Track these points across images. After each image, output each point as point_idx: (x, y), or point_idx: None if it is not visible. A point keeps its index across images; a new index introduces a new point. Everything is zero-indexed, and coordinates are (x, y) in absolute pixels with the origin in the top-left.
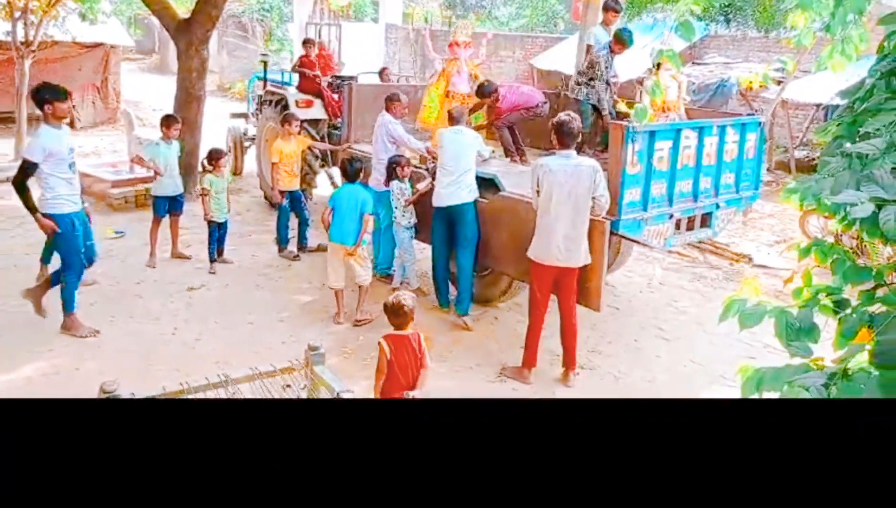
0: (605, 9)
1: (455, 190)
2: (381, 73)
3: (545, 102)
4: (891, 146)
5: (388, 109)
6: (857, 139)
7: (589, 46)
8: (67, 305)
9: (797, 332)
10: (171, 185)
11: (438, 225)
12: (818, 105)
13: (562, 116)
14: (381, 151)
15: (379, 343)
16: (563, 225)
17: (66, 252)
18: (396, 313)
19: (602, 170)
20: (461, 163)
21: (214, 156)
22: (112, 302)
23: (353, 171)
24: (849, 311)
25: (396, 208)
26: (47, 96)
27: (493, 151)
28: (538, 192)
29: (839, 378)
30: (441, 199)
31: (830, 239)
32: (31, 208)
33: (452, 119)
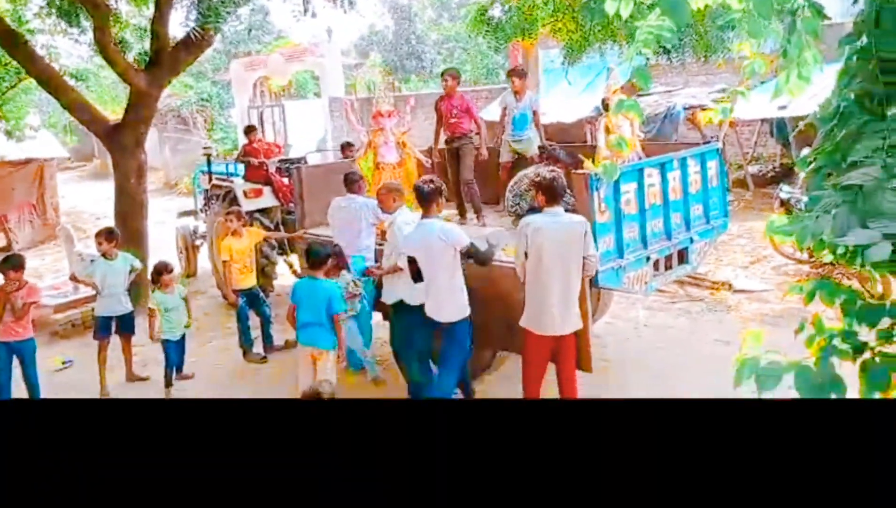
0: (509, 75)
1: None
2: (344, 148)
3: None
4: (887, 172)
5: (356, 190)
6: (844, 168)
7: (503, 109)
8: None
9: (821, 388)
10: (112, 303)
11: (420, 334)
12: (763, 120)
13: (545, 171)
14: (365, 236)
15: None
16: (556, 289)
17: (460, 357)
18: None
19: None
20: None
21: (158, 270)
22: None
23: (316, 260)
24: (869, 356)
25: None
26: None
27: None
28: (525, 254)
29: None
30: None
31: (804, 254)
32: None
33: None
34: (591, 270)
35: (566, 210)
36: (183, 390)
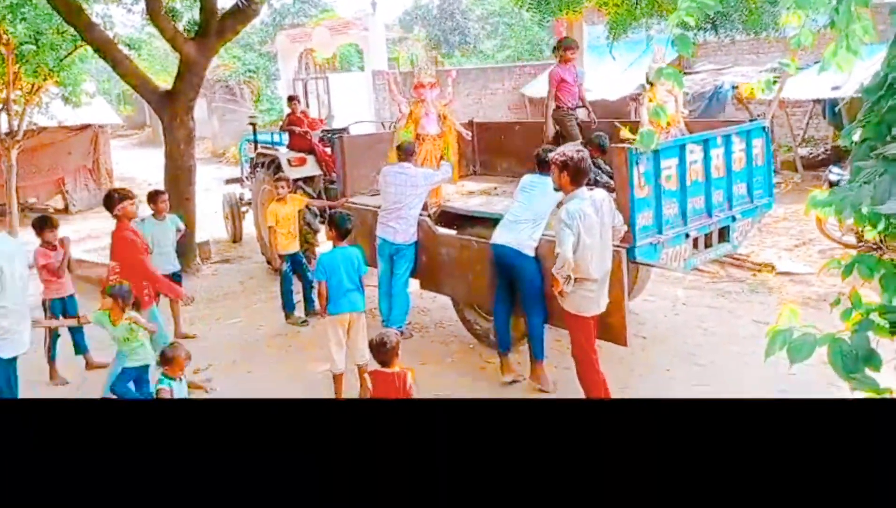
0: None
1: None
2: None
3: None
4: None
5: (409, 159)
6: (889, 139)
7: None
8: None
9: (855, 361)
10: (162, 262)
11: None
12: (815, 100)
13: (570, 151)
14: (416, 206)
15: (363, 378)
16: (602, 271)
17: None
18: (380, 350)
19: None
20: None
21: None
22: None
23: (345, 230)
24: None
25: None
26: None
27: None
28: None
29: None
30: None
31: (851, 238)
32: None
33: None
34: (620, 235)
35: (602, 185)
36: (229, 348)
